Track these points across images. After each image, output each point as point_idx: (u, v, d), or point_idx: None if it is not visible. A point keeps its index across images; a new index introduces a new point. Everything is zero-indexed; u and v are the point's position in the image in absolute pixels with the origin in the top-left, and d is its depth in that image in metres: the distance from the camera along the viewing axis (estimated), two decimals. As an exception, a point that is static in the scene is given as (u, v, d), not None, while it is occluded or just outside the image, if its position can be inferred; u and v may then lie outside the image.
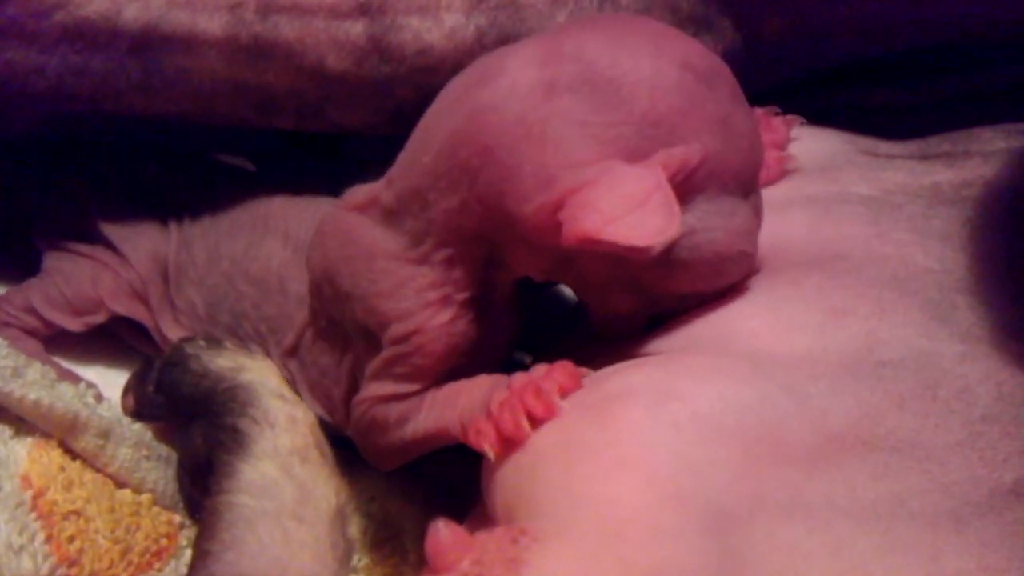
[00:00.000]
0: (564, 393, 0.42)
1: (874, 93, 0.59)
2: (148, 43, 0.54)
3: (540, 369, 0.44)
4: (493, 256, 0.46)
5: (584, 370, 0.44)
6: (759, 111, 0.54)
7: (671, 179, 0.41)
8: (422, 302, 0.47)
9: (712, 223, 0.44)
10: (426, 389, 0.48)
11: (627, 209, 0.40)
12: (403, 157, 0.47)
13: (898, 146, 0.55)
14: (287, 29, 0.54)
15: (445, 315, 0.47)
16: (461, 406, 0.46)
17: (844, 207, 0.49)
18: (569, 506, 0.39)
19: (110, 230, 0.61)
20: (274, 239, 0.56)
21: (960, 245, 0.47)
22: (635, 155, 0.42)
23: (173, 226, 0.60)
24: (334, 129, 0.59)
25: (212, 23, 0.54)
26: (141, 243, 0.60)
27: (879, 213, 0.49)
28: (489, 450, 0.42)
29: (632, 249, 0.40)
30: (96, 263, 0.61)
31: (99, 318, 0.61)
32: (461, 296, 0.47)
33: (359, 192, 0.49)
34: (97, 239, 0.61)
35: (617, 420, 0.40)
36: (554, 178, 0.42)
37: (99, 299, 0.60)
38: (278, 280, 0.55)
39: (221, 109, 0.57)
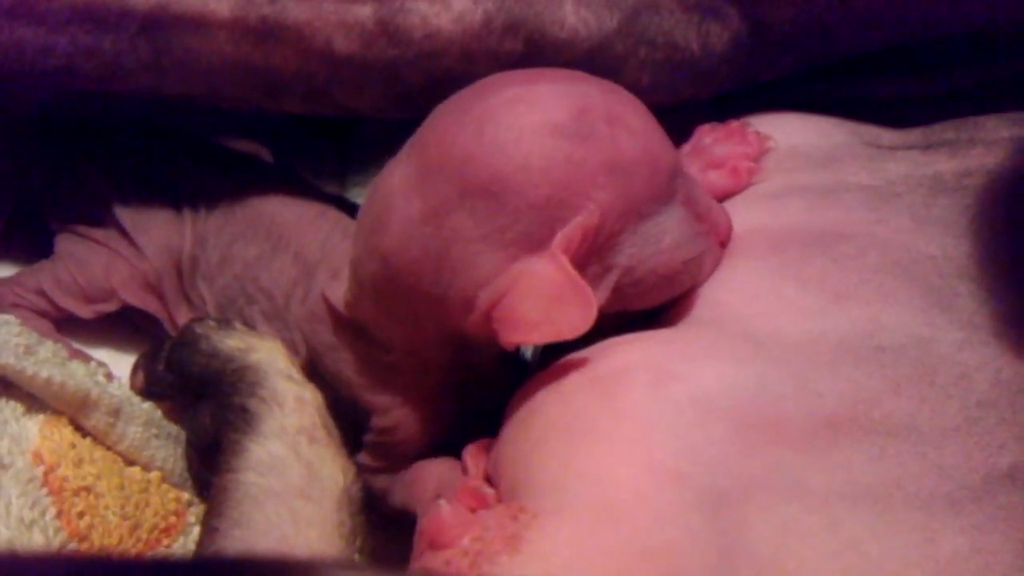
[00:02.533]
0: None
1: (879, 85, 0.59)
2: (157, 24, 0.55)
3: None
4: (465, 344, 0.47)
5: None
6: (733, 124, 0.54)
7: (576, 254, 0.42)
8: (400, 400, 0.50)
9: (645, 253, 0.44)
10: (404, 468, 0.51)
11: (545, 310, 0.42)
12: (351, 264, 0.49)
13: (901, 135, 0.55)
14: (295, 11, 0.55)
15: (424, 410, 0.50)
16: (418, 496, 0.49)
17: (844, 194, 0.50)
18: (569, 484, 0.39)
19: (125, 219, 0.61)
20: (285, 255, 0.56)
21: (961, 233, 0.47)
22: (537, 244, 0.42)
23: (188, 219, 0.60)
24: (342, 112, 0.59)
25: (221, 4, 0.54)
26: (155, 234, 0.60)
27: (879, 200, 0.49)
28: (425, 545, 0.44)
29: (564, 339, 0.42)
30: (110, 252, 0.61)
31: (110, 307, 0.61)
32: (440, 386, 0.49)
33: (343, 284, 0.51)
34: (111, 225, 0.61)
35: (618, 399, 0.41)
36: (474, 298, 0.43)
37: (112, 289, 0.60)
38: (284, 299, 0.55)
39: (229, 91, 0.58)
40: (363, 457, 0.52)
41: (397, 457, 0.51)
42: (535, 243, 0.42)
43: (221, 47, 0.55)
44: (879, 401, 0.41)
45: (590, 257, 0.43)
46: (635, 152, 0.44)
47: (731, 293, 0.46)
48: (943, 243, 0.47)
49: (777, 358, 0.42)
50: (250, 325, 0.57)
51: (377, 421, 0.51)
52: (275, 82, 0.57)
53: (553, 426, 0.42)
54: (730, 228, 0.48)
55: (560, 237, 0.42)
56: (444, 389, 0.50)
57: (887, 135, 0.55)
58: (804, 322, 0.44)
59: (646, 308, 0.46)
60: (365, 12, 0.55)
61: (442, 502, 0.41)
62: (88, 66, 0.56)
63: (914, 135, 0.55)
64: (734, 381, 0.41)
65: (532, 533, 0.38)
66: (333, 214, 0.58)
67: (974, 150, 0.52)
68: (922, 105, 0.57)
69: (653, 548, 0.37)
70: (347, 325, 0.51)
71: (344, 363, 0.51)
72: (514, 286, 0.42)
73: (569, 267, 0.42)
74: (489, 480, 0.45)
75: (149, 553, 0.53)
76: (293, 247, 0.56)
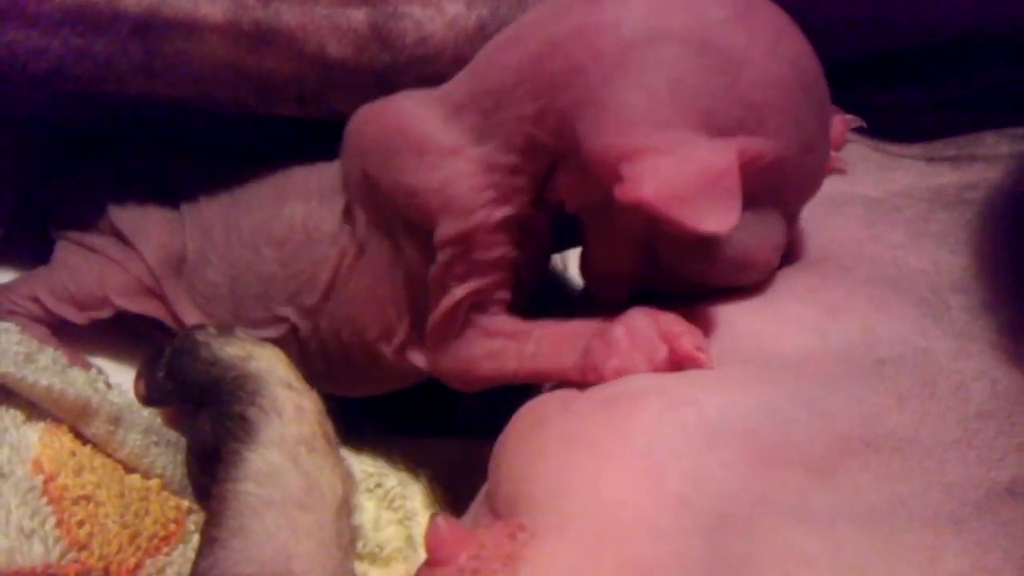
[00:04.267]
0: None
1: (881, 93, 0.59)
2: (150, 27, 0.54)
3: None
4: (550, 174, 0.45)
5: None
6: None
7: (743, 168, 0.40)
8: (479, 201, 0.46)
9: (753, 228, 0.43)
10: (503, 282, 0.47)
11: (692, 189, 0.39)
12: (483, 54, 0.47)
13: (907, 147, 0.55)
14: (288, 15, 0.54)
15: (499, 214, 0.46)
16: (576, 350, 0.45)
17: (843, 209, 0.49)
18: (569, 503, 0.39)
19: (122, 222, 0.61)
20: (295, 199, 0.56)
21: (955, 246, 0.47)
22: (717, 130, 0.41)
23: (187, 215, 0.60)
24: (335, 116, 0.59)
25: (214, 8, 0.54)
26: (153, 235, 0.60)
27: (876, 215, 0.49)
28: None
29: (683, 228, 0.39)
30: (104, 259, 0.61)
31: (104, 313, 0.61)
32: (517, 202, 0.46)
33: (419, 90, 0.49)
34: (107, 231, 0.61)
35: (626, 420, 0.40)
36: (634, 125, 0.41)
37: (104, 296, 0.60)
38: (304, 231, 0.55)
39: (221, 94, 0.58)
40: (440, 286, 0.48)
41: (480, 270, 0.47)
42: (716, 127, 0.41)
43: (213, 50, 0.55)
44: (885, 417, 0.41)
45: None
46: (822, 149, 0.45)
47: (731, 309, 0.45)
48: (936, 258, 0.47)
49: (784, 380, 0.42)
50: (268, 286, 0.57)
51: (449, 228, 0.46)
52: (267, 86, 0.57)
53: (558, 442, 0.41)
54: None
55: (745, 139, 0.40)
56: (523, 199, 0.46)
57: (893, 145, 0.55)
58: (805, 337, 0.44)
59: (684, 280, 0.45)
60: (358, 17, 0.55)
61: (440, 518, 0.41)
62: (80, 68, 0.56)
63: (916, 148, 0.55)
64: (744, 406, 0.41)
65: (530, 552, 0.38)
66: (329, 163, 0.57)
67: (976, 165, 0.52)
68: (923, 113, 0.57)
69: (652, 570, 0.37)
70: (421, 120, 0.48)
71: (407, 169, 0.47)
72: (678, 148, 0.40)
73: (737, 168, 0.39)
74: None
75: (149, 560, 0.53)
76: (302, 187, 0.56)
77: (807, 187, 0.45)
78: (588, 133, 0.42)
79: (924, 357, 0.43)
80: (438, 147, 0.47)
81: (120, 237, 0.61)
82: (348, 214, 0.54)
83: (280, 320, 0.57)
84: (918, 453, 0.40)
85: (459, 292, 0.47)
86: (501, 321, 0.48)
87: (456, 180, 0.46)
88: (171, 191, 0.62)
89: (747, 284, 0.46)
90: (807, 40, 0.44)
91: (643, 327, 0.43)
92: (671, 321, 0.43)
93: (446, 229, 0.47)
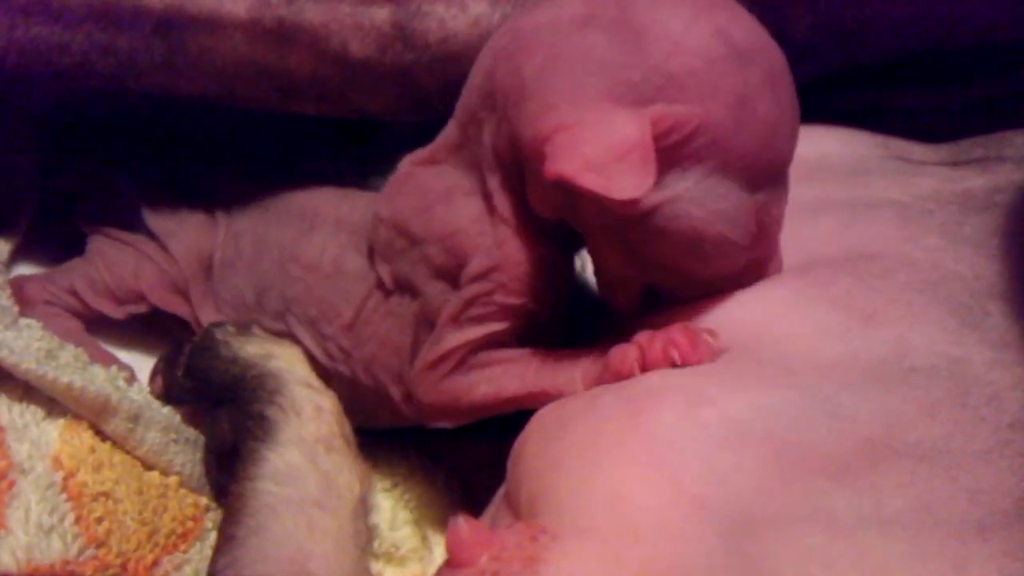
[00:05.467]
0: (685, 361, 0.43)
1: (903, 95, 0.59)
2: (173, 23, 0.55)
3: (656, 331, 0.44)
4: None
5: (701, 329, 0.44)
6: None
7: (660, 136, 0.41)
8: (502, 234, 0.47)
9: (698, 197, 0.43)
10: (513, 331, 0.48)
11: (606, 158, 0.41)
12: (464, 87, 0.48)
13: (930, 151, 0.55)
14: (312, 13, 0.54)
15: (520, 242, 0.47)
16: (582, 366, 0.46)
17: (874, 211, 0.49)
18: (591, 505, 0.39)
19: (154, 224, 0.61)
20: (324, 229, 0.56)
21: (991, 252, 0.47)
22: (637, 104, 0.42)
23: (221, 220, 0.60)
24: (356, 114, 0.59)
25: (237, 5, 0.54)
26: (184, 238, 0.61)
27: (909, 218, 0.48)
28: (635, 362, 0.43)
29: (600, 197, 0.41)
30: (140, 254, 0.61)
31: (140, 308, 0.61)
32: (535, 224, 0.47)
33: (425, 148, 0.51)
34: (140, 229, 0.61)
35: (647, 421, 0.40)
36: (554, 107, 0.43)
37: (140, 292, 0.61)
38: (333, 264, 0.55)
39: (243, 91, 0.58)
40: (456, 334, 0.48)
41: (497, 312, 0.48)
42: (635, 101, 0.42)
43: (236, 47, 0.55)
44: (913, 425, 0.41)
45: (658, 156, 0.42)
46: (771, 116, 0.44)
47: (762, 313, 0.45)
48: (974, 262, 0.46)
49: (809, 383, 0.42)
50: (290, 306, 0.56)
51: (476, 265, 0.47)
52: (289, 83, 0.57)
53: (579, 443, 0.41)
54: (776, 270, 0.47)
55: (656, 109, 0.42)
56: (535, 236, 0.47)
57: (916, 149, 0.55)
58: (835, 343, 0.43)
59: (657, 261, 0.45)
60: (382, 15, 0.55)
61: (460, 519, 0.41)
62: (103, 64, 0.56)
63: (942, 152, 0.54)
64: (766, 407, 0.41)
65: (551, 555, 0.38)
66: (359, 192, 0.58)
67: (1004, 166, 0.51)
68: (947, 116, 0.56)
69: (674, 573, 0.36)
70: (440, 175, 0.49)
71: (437, 218, 0.49)
72: (593, 120, 0.42)
73: (649, 136, 0.41)
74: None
75: (167, 558, 0.53)
76: (332, 218, 0.56)
77: (755, 152, 0.44)
78: (520, 127, 0.44)
79: (958, 367, 0.42)
80: (461, 192, 0.49)
81: (151, 236, 0.61)
82: (372, 260, 0.54)
83: (296, 341, 0.57)
84: (946, 462, 0.40)
85: (471, 334, 0.48)
86: (500, 351, 0.49)
87: (481, 218, 0.48)
88: (204, 194, 0.62)
89: (721, 268, 0.45)
90: (750, 15, 0.45)
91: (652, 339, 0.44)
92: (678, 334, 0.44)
93: (478, 263, 0.48)
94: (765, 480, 0.39)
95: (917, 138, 0.55)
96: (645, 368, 0.43)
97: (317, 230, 0.57)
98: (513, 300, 0.48)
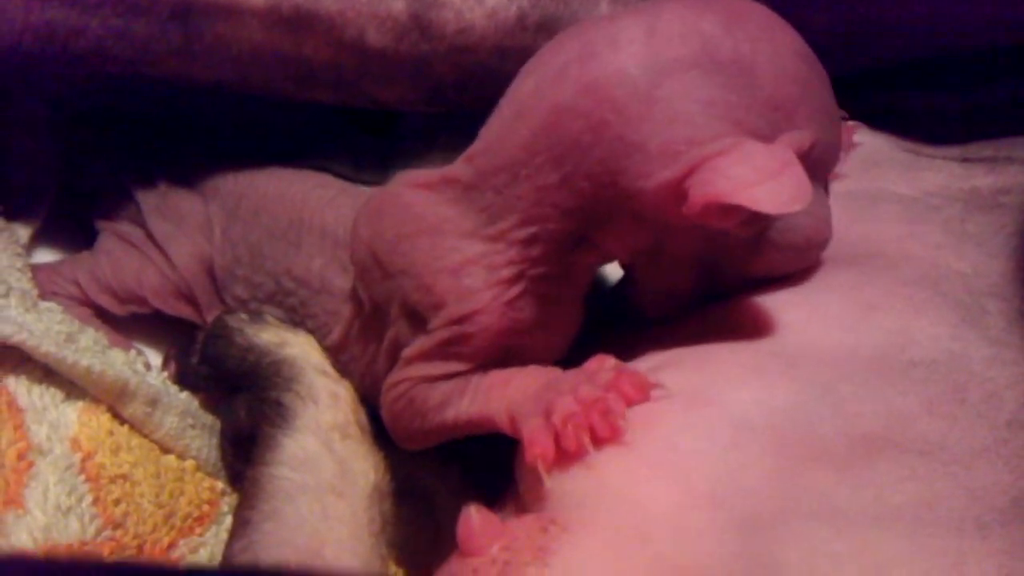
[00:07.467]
0: (631, 405, 0.41)
1: (916, 96, 0.59)
2: (189, 9, 0.55)
3: (605, 372, 0.43)
4: (583, 235, 0.45)
5: (653, 383, 0.42)
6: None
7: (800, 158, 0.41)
8: (492, 280, 0.46)
9: (807, 209, 0.42)
10: (473, 371, 0.47)
11: (760, 178, 0.40)
12: (487, 133, 0.46)
13: (940, 148, 0.55)
14: (329, 1, 0.54)
15: (513, 291, 0.46)
16: (510, 397, 0.45)
17: (880, 205, 0.50)
18: (601, 499, 0.39)
19: (156, 229, 0.61)
20: (310, 240, 0.56)
21: (994, 251, 0.47)
22: (756, 136, 0.42)
23: (216, 225, 0.60)
24: (370, 104, 0.59)
25: None
26: (184, 244, 0.60)
27: (915, 214, 0.49)
28: (542, 466, 0.41)
29: (758, 215, 0.40)
30: (144, 258, 0.61)
31: (143, 309, 0.62)
32: (535, 272, 0.46)
33: (424, 172, 0.49)
34: (145, 233, 0.62)
35: (655, 420, 0.41)
36: (681, 154, 0.41)
37: (143, 296, 0.61)
38: (320, 280, 0.55)
39: (258, 79, 0.58)
40: (417, 365, 0.48)
41: (469, 353, 0.47)
42: (753, 134, 0.42)
43: (252, 35, 0.55)
44: (913, 420, 0.41)
45: None
46: (839, 119, 0.47)
47: (767, 302, 0.46)
48: (975, 260, 0.47)
49: (812, 376, 0.42)
50: (291, 316, 0.57)
51: (453, 309, 0.46)
52: (305, 71, 0.57)
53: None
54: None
55: (790, 136, 0.42)
56: (539, 272, 0.46)
57: (926, 146, 0.55)
58: (837, 333, 0.44)
59: (751, 276, 0.47)
60: (399, 5, 0.55)
61: (472, 509, 0.41)
62: (118, 49, 0.56)
63: (953, 149, 0.54)
64: (770, 403, 0.41)
65: (561, 546, 0.38)
66: (354, 190, 0.58)
67: (1012, 167, 0.51)
68: (957, 118, 0.56)
69: (682, 567, 0.37)
70: (434, 206, 0.47)
71: (421, 253, 0.47)
72: (734, 148, 0.41)
73: (795, 157, 0.41)
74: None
75: (183, 541, 0.53)
76: (317, 230, 0.56)
77: (835, 158, 0.48)
78: (634, 181, 0.42)
79: (957, 363, 0.43)
80: (457, 229, 0.47)
81: (155, 242, 0.61)
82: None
83: None
84: (944, 457, 0.41)
85: (438, 369, 0.47)
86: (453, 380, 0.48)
87: (474, 261, 0.46)
88: (201, 201, 0.61)
89: (806, 265, 0.47)
90: (788, 24, 0.45)
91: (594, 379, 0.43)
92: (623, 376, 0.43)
93: (456, 308, 0.46)
94: (771, 476, 0.39)
95: (928, 139, 0.56)
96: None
97: (304, 240, 0.56)
98: (486, 344, 0.47)
